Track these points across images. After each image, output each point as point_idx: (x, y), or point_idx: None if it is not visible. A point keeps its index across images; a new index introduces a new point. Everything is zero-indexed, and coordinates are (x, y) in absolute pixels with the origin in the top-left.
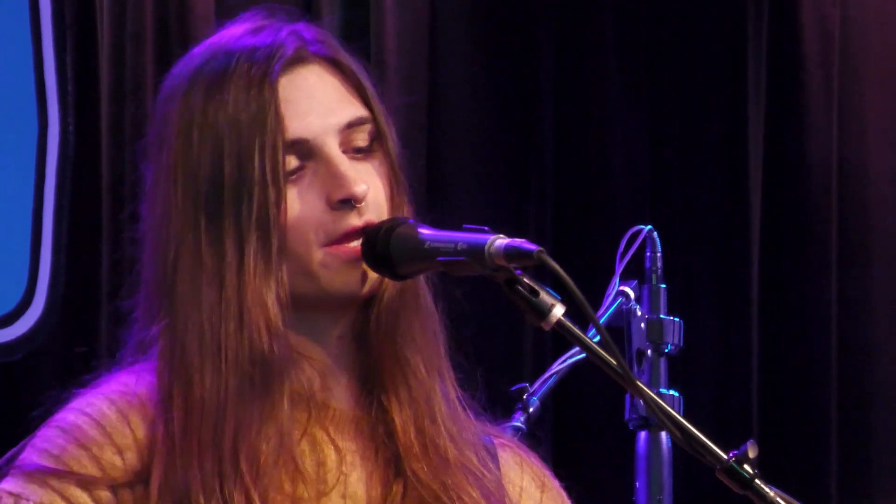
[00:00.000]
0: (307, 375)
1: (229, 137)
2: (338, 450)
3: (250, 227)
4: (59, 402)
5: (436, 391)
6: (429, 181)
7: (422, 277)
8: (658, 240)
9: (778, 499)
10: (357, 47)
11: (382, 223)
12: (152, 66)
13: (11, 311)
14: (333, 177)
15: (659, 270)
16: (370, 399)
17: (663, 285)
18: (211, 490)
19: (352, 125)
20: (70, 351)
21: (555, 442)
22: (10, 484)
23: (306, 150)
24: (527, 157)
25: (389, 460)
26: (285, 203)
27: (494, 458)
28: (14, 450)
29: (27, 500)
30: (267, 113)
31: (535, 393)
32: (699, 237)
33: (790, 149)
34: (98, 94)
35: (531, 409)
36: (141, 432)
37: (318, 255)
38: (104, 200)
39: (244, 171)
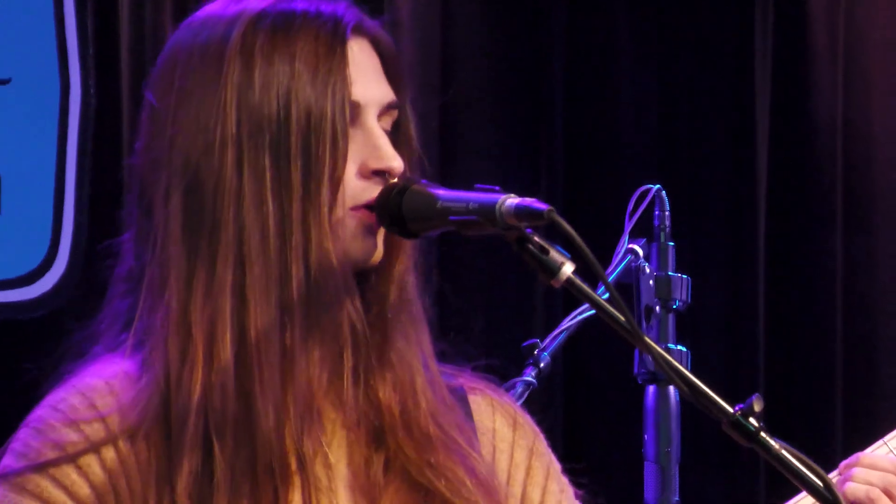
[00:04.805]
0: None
1: (297, 88)
2: (319, 414)
3: (322, 176)
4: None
5: (420, 375)
6: (441, 141)
7: (412, 262)
8: (666, 199)
9: (783, 451)
10: (371, 8)
11: (395, 183)
12: (172, 27)
13: (35, 268)
14: (374, 147)
15: (667, 229)
16: (351, 372)
17: (671, 243)
18: (280, 432)
19: (390, 107)
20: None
21: (565, 396)
22: None
23: (354, 116)
24: (538, 119)
25: (371, 433)
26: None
27: (465, 405)
28: None
29: None
30: (338, 73)
31: (545, 349)
32: (707, 196)
33: (796, 109)
34: (118, 56)
35: (542, 365)
36: (111, 416)
37: (340, 213)
38: (125, 160)
39: (315, 122)
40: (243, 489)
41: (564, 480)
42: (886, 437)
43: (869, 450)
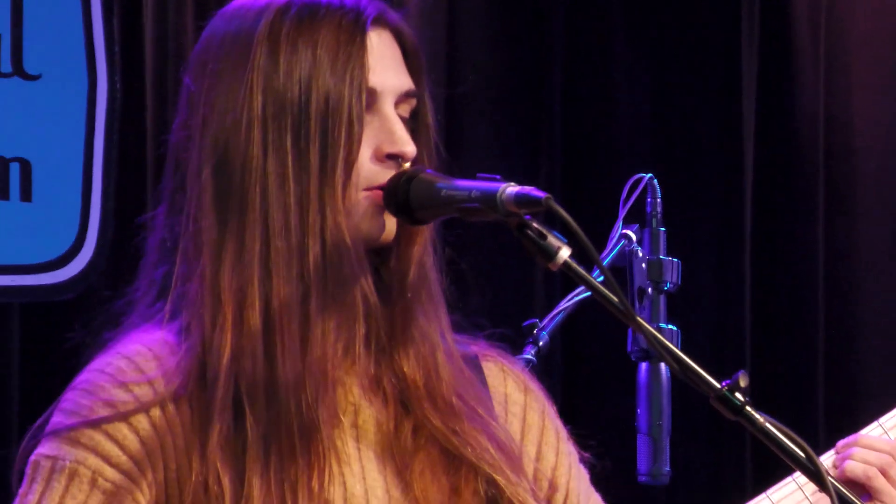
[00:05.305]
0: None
1: (318, 74)
2: (342, 382)
3: (337, 158)
4: (103, 344)
5: (440, 350)
6: (446, 134)
7: (431, 243)
8: (658, 187)
9: (767, 424)
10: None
11: (403, 171)
12: (192, 28)
13: (64, 253)
14: (389, 132)
15: (659, 215)
16: (363, 340)
17: (663, 229)
18: (298, 394)
19: (407, 95)
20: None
21: (563, 373)
22: (45, 448)
23: (370, 101)
24: (538, 113)
25: (398, 401)
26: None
27: (479, 372)
28: (44, 416)
29: (63, 460)
30: (357, 60)
31: (544, 328)
32: (697, 184)
33: (781, 103)
34: (143, 54)
35: (541, 343)
36: (157, 380)
37: (355, 194)
38: (149, 151)
39: (333, 106)
40: (272, 450)
41: (571, 445)
42: (882, 419)
43: (864, 431)
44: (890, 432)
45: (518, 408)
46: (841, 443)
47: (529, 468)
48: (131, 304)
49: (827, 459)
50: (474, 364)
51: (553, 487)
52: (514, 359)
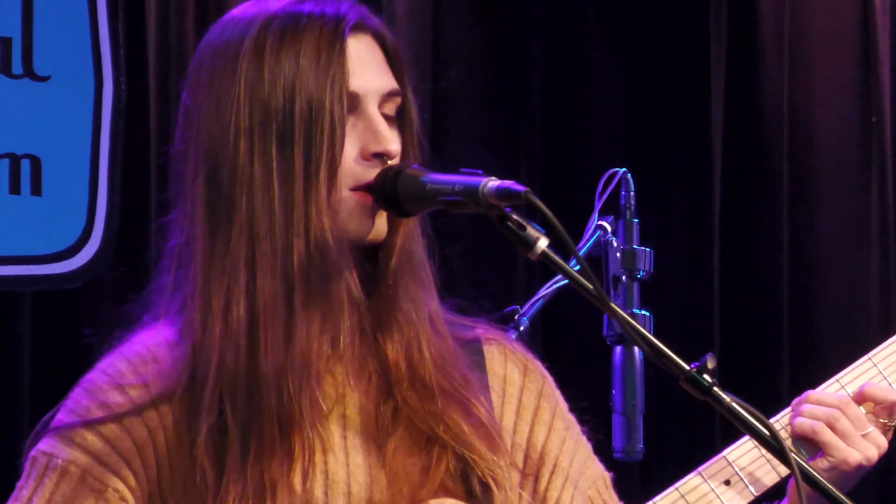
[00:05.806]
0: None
1: (300, 81)
2: (333, 373)
3: (321, 161)
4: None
5: (426, 333)
6: (431, 129)
7: (417, 231)
8: (631, 180)
9: (733, 404)
10: (368, 8)
11: (390, 167)
12: (193, 32)
13: (73, 244)
14: (373, 132)
15: (632, 207)
16: (348, 332)
17: (636, 220)
18: (279, 387)
19: (391, 94)
20: (124, 280)
21: (542, 356)
22: (44, 444)
23: (353, 104)
24: (518, 109)
25: (380, 386)
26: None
27: (480, 355)
28: (51, 412)
29: (56, 457)
30: (337, 66)
31: (525, 314)
32: (668, 178)
33: (747, 98)
34: (146, 56)
35: (521, 328)
36: (152, 382)
37: (343, 195)
38: (152, 148)
39: (315, 111)
40: (251, 443)
41: (571, 418)
42: (838, 375)
43: (821, 387)
44: (847, 387)
45: (515, 389)
46: (795, 401)
47: (520, 448)
48: (145, 305)
49: (783, 418)
50: (475, 347)
51: (541, 462)
52: (516, 341)
